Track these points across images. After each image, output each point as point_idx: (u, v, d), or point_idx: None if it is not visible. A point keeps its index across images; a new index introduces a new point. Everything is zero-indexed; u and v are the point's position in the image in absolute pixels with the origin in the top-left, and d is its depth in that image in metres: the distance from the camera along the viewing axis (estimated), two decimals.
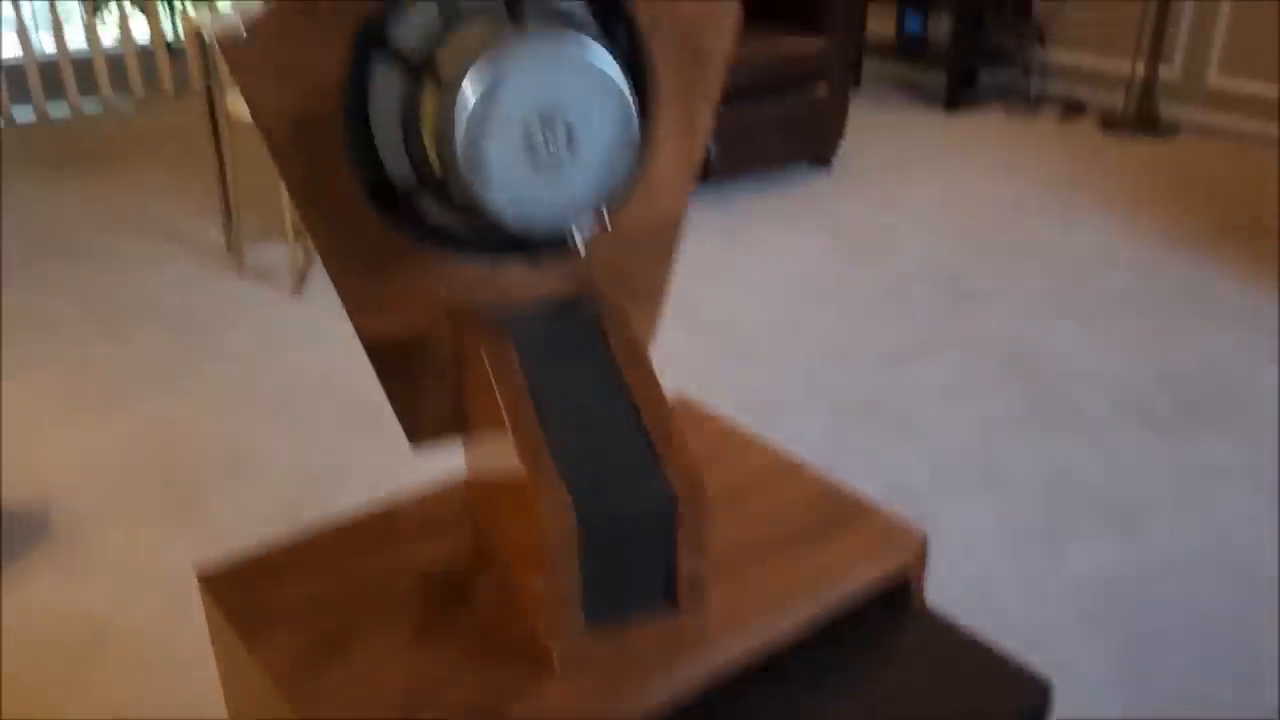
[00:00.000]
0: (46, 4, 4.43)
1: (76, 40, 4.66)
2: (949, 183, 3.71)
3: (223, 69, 4.12)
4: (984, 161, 3.94)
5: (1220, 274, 2.94)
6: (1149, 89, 4.22)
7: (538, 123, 0.70)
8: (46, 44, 4.68)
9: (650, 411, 0.78)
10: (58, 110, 4.56)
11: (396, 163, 0.79)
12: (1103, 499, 1.99)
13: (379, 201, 0.79)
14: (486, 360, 0.78)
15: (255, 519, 1.95)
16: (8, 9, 4.37)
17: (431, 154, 0.76)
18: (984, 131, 4.32)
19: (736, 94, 3.38)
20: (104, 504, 2.01)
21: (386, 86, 0.77)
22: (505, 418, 0.75)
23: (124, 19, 4.58)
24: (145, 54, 4.75)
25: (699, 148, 0.85)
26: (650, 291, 0.91)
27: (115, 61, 4.63)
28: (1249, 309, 2.73)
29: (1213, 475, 2.06)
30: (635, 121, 0.72)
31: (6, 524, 1.94)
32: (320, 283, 2.96)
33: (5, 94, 4.39)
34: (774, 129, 3.50)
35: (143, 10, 4.69)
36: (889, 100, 4.77)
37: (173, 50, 4.82)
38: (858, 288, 2.88)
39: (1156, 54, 4.18)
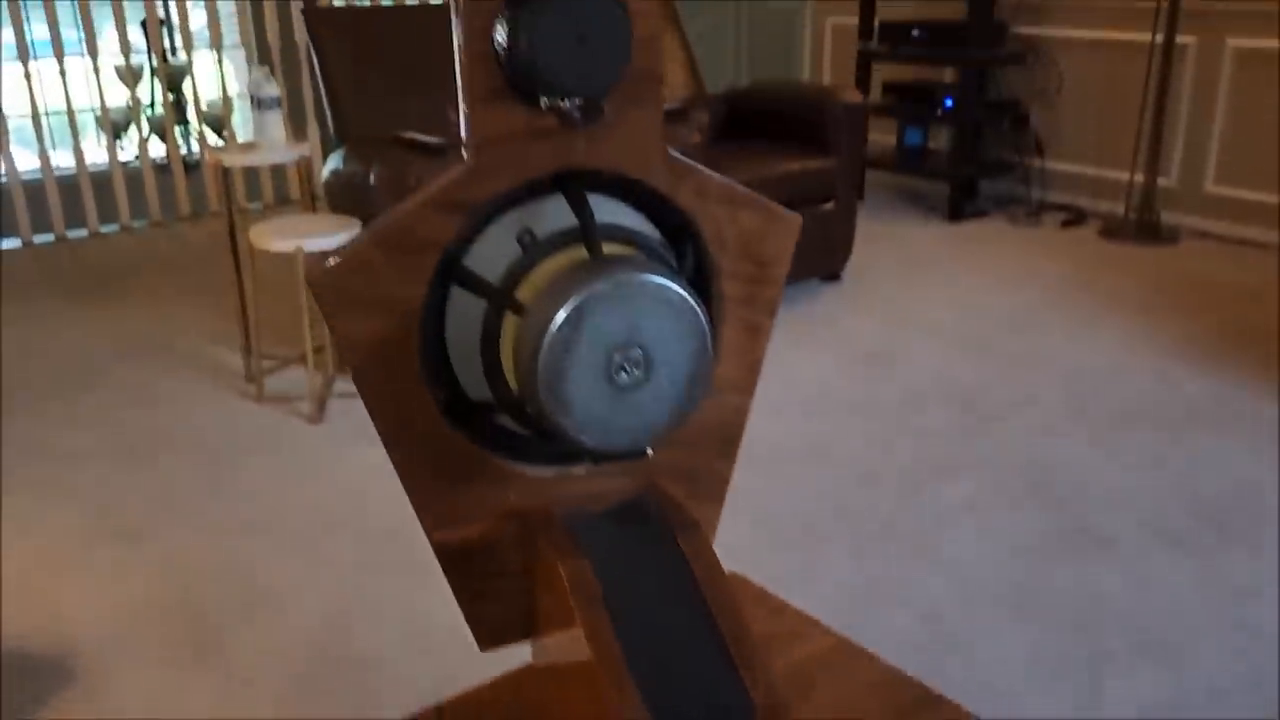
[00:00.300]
0: (65, 121, 4.53)
1: (93, 155, 4.76)
2: (957, 293, 3.76)
3: (241, 193, 4.19)
4: (990, 271, 4.00)
5: (1234, 384, 2.97)
6: (1148, 198, 4.31)
7: (617, 351, 0.72)
8: (60, 160, 4.78)
9: (726, 620, 0.79)
10: (75, 231, 4.63)
11: (472, 381, 0.82)
12: (1135, 624, 1.97)
13: (454, 417, 0.81)
14: (565, 576, 0.78)
15: (281, 660, 1.93)
16: (26, 127, 4.47)
17: (509, 376, 0.78)
18: (988, 241, 4.39)
19: None
20: (125, 646, 1.99)
21: (464, 311, 0.79)
22: (585, 637, 0.75)
23: (143, 143, 4.69)
24: (161, 171, 4.85)
25: (761, 352, 0.87)
26: (712, 489, 0.92)
27: (133, 180, 4.72)
28: (1265, 419, 2.75)
29: (1243, 596, 2.05)
30: (710, 349, 0.74)
31: (27, 668, 1.92)
32: (340, 409, 2.97)
33: (25, 215, 4.47)
34: None
35: (161, 136, 4.80)
36: (893, 211, 4.87)
37: (189, 169, 4.92)
38: (873, 405, 2.90)
39: (1154, 165, 4.28)
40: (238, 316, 3.22)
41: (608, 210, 0.81)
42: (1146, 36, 4.28)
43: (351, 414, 2.95)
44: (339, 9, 3.51)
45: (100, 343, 3.52)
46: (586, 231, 0.76)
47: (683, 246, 0.84)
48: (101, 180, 4.65)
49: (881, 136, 5.17)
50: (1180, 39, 4.22)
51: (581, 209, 0.76)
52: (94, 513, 2.46)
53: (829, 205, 3.69)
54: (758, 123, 3.84)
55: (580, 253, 0.78)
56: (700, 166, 0.80)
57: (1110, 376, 3.05)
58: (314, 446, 2.76)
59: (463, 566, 0.85)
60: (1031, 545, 2.24)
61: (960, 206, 4.64)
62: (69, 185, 4.60)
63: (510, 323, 0.77)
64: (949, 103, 4.62)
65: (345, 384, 3.13)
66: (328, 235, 2.81)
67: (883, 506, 2.40)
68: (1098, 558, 2.19)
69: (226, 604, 2.11)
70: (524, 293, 0.77)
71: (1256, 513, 2.33)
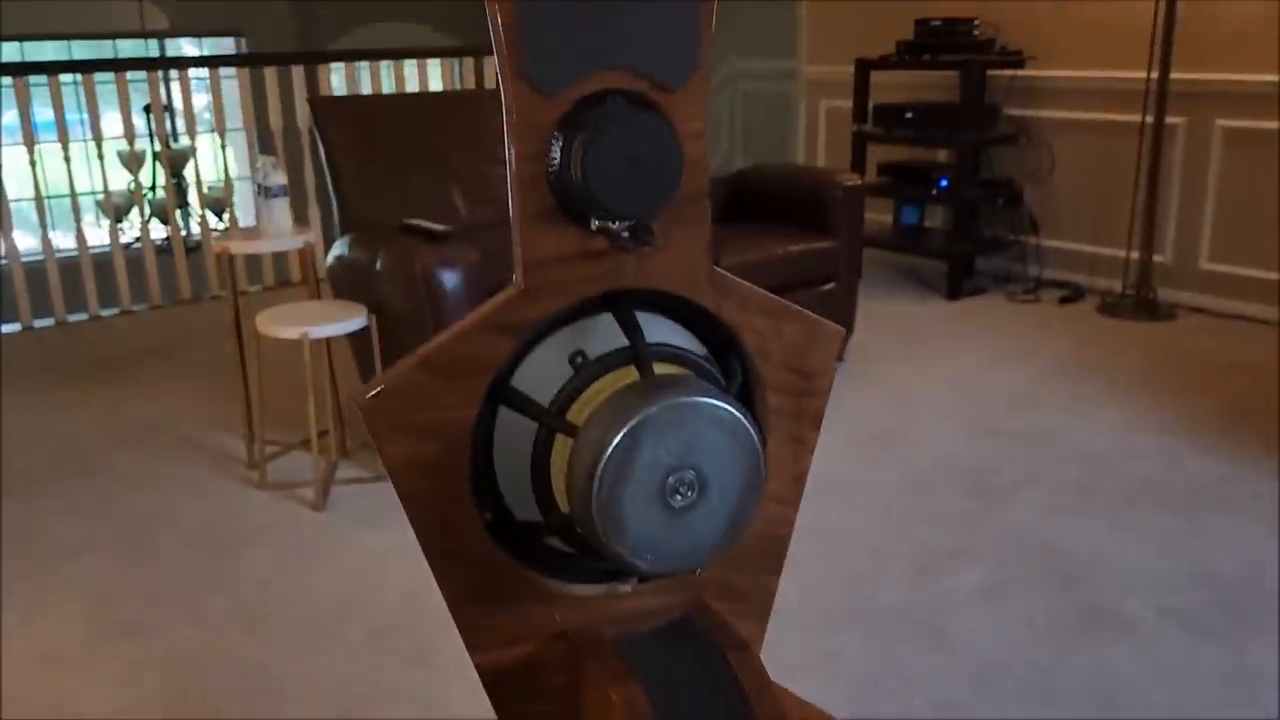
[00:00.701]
0: (67, 204, 4.56)
1: (94, 237, 4.78)
2: (959, 371, 3.77)
3: (242, 275, 4.20)
4: (990, 348, 4.02)
5: (1240, 462, 2.96)
6: (1144, 275, 4.35)
7: (672, 473, 0.71)
8: (60, 241, 4.79)
9: None
10: (75, 315, 4.63)
11: (520, 502, 0.81)
12: (1155, 710, 1.94)
13: (501, 539, 0.80)
14: (616, 702, 0.77)
15: None
16: (29, 211, 4.49)
17: (560, 497, 0.77)
18: (987, 318, 4.42)
19: None
20: None
21: (513, 432, 0.79)
22: None
23: (145, 226, 4.71)
24: (162, 254, 4.86)
25: (806, 464, 0.86)
26: (759, 604, 0.91)
27: (134, 263, 4.73)
28: (1274, 498, 2.74)
29: (1260, 682, 2.02)
30: (763, 468, 0.73)
31: None
32: (343, 495, 2.95)
33: (25, 298, 4.47)
34: None
35: (162, 219, 4.83)
36: (892, 289, 4.90)
37: (190, 251, 4.94)
38: (881, 487, 2.89)
39: (1149, 242, 4.33)
40: (240, 401, 3.21)
41: (654, 326, 0.81)
42: (1136, 117, 4.36)
43: (355, 499, 2.92)
44: (344, 98, 3.56)
45: (100, 428, 3.49)
46: (637, 352, 0.76)
47: (728, 359, 0.84)
48: (102, 263, 4.66)
49: (878, 216, 5.23)
50: (1170, 119, 4.30)
51: (632, 330, 0.76)
52: (95, 605, 2.42)
53: (830, 285, 3.71)
54: (758, 205, 3.88)
55: (631, 373, 0.77)
56: (742, 281, 0.81)
57: (1116, 454, 3.05)
58: (318, 534, 2.73)
59: (506, 689, 0.84)
60: (1047, 629, 2.21)
61: (958, 284, 4.68)
62: (70, 268, 4.61)
63: (562, 445, 0.76)
64: (944, 182, 4.69)
65: (349, 469, 3.11)
66: (333, 322, 2.81)
67: (895, 590, 2.38)
68: (1114, 641, 2.16)
69: (231, 699, 2.06)
70: (576, 414, 0.77)
71: (1271, 594, 2.31)
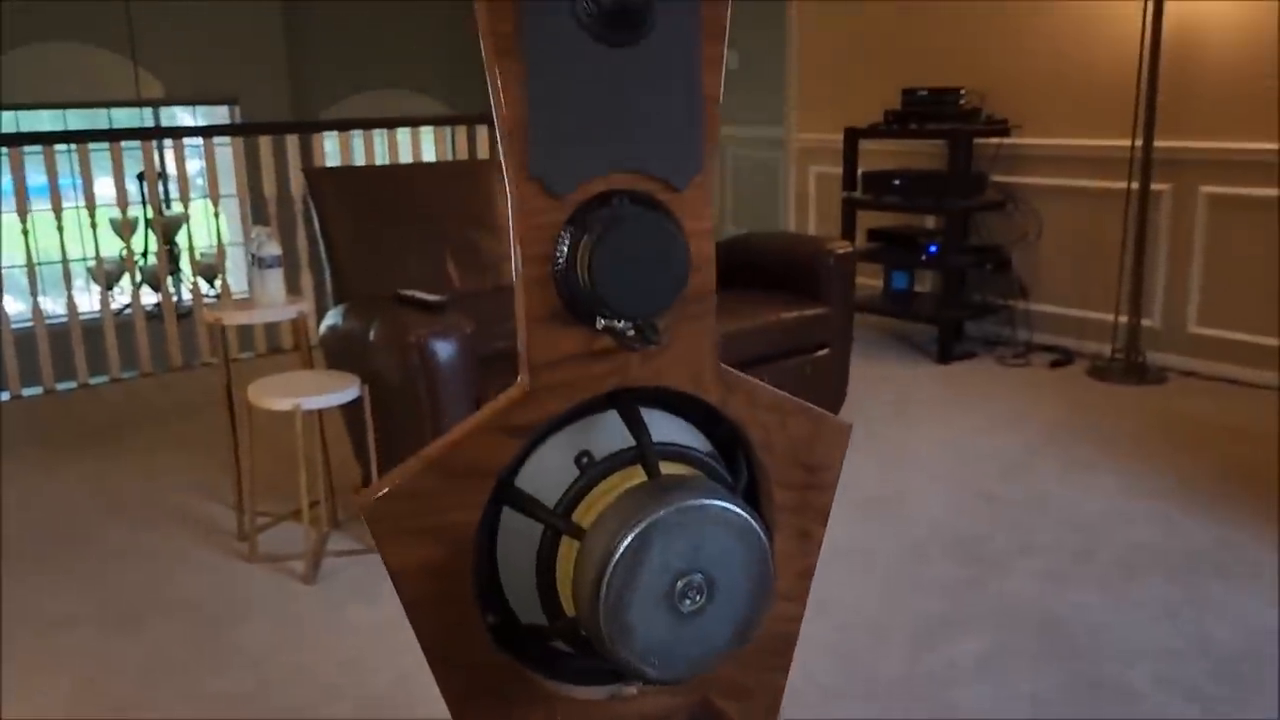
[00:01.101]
0: (58, 270, 4.55)
1: (84, 304, 4.77)
2: (953, 436, 3.76)
3: (233, 342, 4.20)
4: (983, 413, 4.02)
5: (1236, 528, 2.95)
6: (1134, 339, 4.38)
7: (680, 578, 0.70)
8: (48, 305, 4.78)
9: None
10: (64, 384, 4.60)
11: (524, 604, 0.79)
12: None
13: (503, 640, 0.78)
14: None
15: None
16: (20, 276, 4.48)
17: (565, 602, 0.76)
18: (978, 382, 4.43)
19: (745, 362, 3.46)
20: None
21: (517, 533, 0.78)
22: None
23: (136, 293, 4.71)
24: (152, 320, 4.85)
25: (813, 559, 0.85)
26: (766, 700, 0.89)
27: (124, 330, 4.72)
28: (1271, 564, 2.73)
29: None
30: (772, 570, 0.72)
31: None
32: (334, 567, 2.91)
33: (14, 366, 4.45)
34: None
35: (154, 286, 4.83)
36: (883, 354, 4.92)
37: (180, 318, 4.94)
38: (877, 554, 2.86)
39: (1137, 307, 4.37)
40: (230, 471, 3.18)
41: (659, 422, 0.81)
42: (1122, 184, 4.42)
43: (346, 572, 2.88)
44: (339, 169, 3.59)
45: (89, 498, 3.45)
46: (644, 452, 0.75)
47: (734, 455, 0.84)
48: (92, 329, 4.65)
49: (869, 281, 5.27)
50: (1155, 186, 4.36)
51: (638, 428, 0.75)
52: (84, 684, 2.37)
53: (824, 351, 3.72)
54: (751, 272, 3.90)
55: (638, 472, 0.77)
56: (748, 377, 0.80)
57: (1112, 521, 3.04)
58: (309, 608, 2.69)
59: None
60: (1049, 699, 2.19)
61: (949, 348, 4.70)
62: (59, 334, 4.60)
63: (568, 547, 0.75)
64: (933, 248, 4.73)
65: (340, 541, 3.07)
66: (326, 393, 2.80)
67: (894, 661, 2.35)
68: (1116, 712, 2.13)
69: None
70: (582, 515, 0.76)
71: (1271, 662, 2.29)
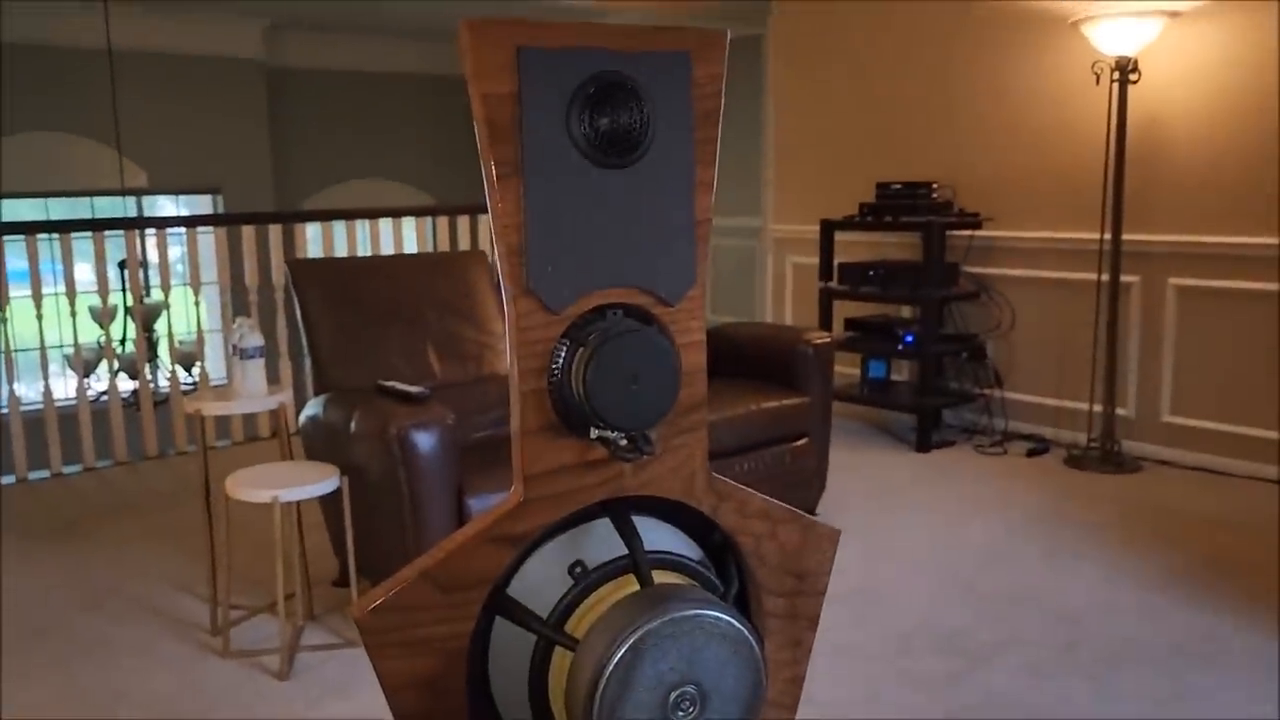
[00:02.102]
0: (35, 358, 4.52)
1: (59, 390, 4.73)
2: (933, 526, 3.77)
3: (210, 430, 4.16)
4: (962, 501, 4.03)
5: (1219, 617, 2.95)
6: (1109, 428, 4.43)
7: (673, 689, 0.70)
8: (23, 392, 4.73)
9: None
10: (37, 473, 4.54)
11: (517, 716, 0.79)
12: None
13: None
14: None
15: None
16: None
17: (557, 711, 0.76)
18: (956, 470, 4.45)
19: (725, 451, 3.48)
20: None
21: (509, 643, 0.78)
22: None
23: (113, 381, 4.68)
24: (128, 407, 4.82)
25: (803, 668, 0.85)
26: None
27: (99, 418, 4.68)
28: (1255, 654, 2.72)
29: None
30: (764, 680, 0.72)
31: None
32: (309, 662, 2.85)
33: None
34: (761, 483, 3.57)
35: (131, 375, 4.81)
36: (862, 442, 4.94)
37: (157, 405, 4.90)
38: (858, 647, 2.84)
39: (1111, 396, 4.43)
40: (204, 563, 3.13)
41: (652, 531, 0.81)
42: (1092, 275, 4.52)
43: (322, 667, 2.83)
44: (321, 261, 3.62)
45: (58, 590, 3.38)
46: (637, 562, 0.76)
47: (725, 562, 0.84)
48: (67, 417, 4.61)
49: (846, 369, 5.32)
50: (1124, 278, 4.45)
51: (630, 537, 0.76)
52: None
53: (803, 440, 3.74)
54: (730, 362, 3.94)
55: (631, 581, 0.77)
56: (740, 486, 0.81)
57: (1095, 612, 3.03)
58: (283, 706, 2.63)
59: None
60: None
61: (927, 436, 4.73)
62: (33, 422, 4.55)
63: (561, 657, 0.75)
64: (909, 338, 4.79)
65: (315, 635, 3.02)
66: (305, 485, 2.78)
67: None
68: None
69: None
70: (575, 625, 0.76)
71: None
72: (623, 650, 0.68)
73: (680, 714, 0.70)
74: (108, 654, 2.94)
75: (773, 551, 0.84)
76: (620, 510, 0.80)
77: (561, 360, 0.75)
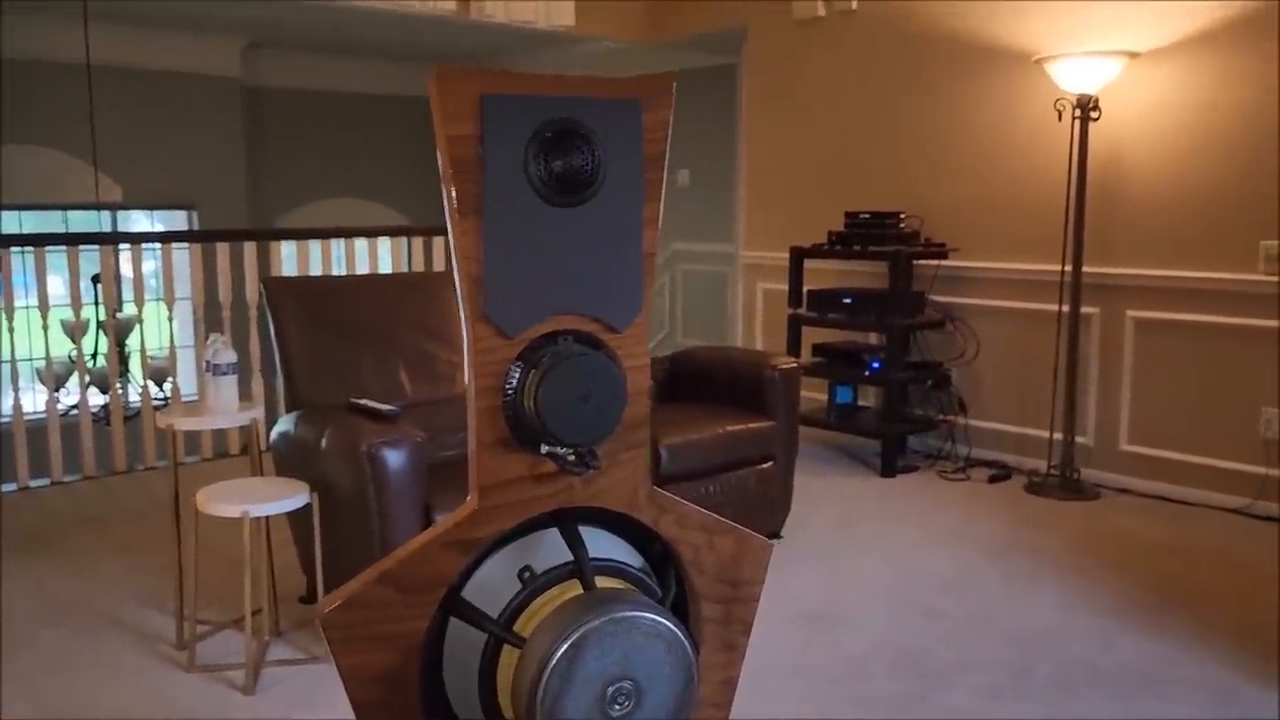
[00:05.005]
0: (5, 371, 4.53)
1: (28, 403, 4.73)
2: (895, 550, 3.84)
3: (180, 446, 4.18)
4: (924, 526, 4.11)
5: (1173, 644, 3.03)
6: (1068, 455, 4.53)
7: (611, 684, 0.76)
8: None
9: None
10: (4, 486, 4.54)
11: (467, 708, 0.85)
12: None
13: None
14: None
15: None
16: None
17: (505, 705, 0.81)
18: (920, 496, 4.53)
19: (690, 474, 3.54)
20: None
21: (462, 642, 0.83)
22: None
23: (84, 396, 4.69)
24: (97, 422, 4.82)
25: (736, 670, 0.91)
26: None
27: (68, 432, 4.68)
28: (1206, 681, 2.80)
29: None
30: (696, 678, 0.78)
31: None
32: (275, 677, 2.88)
33: None
34: (726, 506, 3.63)
35: (102, 389, 4.81)
36: (828, 466, 5.02)
37: (127, 420, 4.91)
38: (818, 670, 2.90)
39: (1070, 424, 4.53)
40: (172, 578, 3.15)
41: (597, 540, 0.87)
42: (1054, 306, 4.63)
43: (288, 683, 2.85)
44: (295, 279, 3.66)
45: (24, 604, 3.39)
46: (581, 568, 0.82)
47: (665, 571, 0.90)
48: (36, 430, 4.61)
49: (814, 394, 5.40)
50: (1085, 309, 4.57)
51: (576, 546, 0.82)
52: None
53: (768, 464, 3.80)
54: (698, 386, 4.01)
55: (576, 586, 0.83)
56: (680, 500, 0.88)
57: (1050, 636, 3.11)
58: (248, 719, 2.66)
59: None
60: None
61: (892, 462, 4.82)
62: (2, 436, 4.55)
63: (509, 655, 0.81)
64: (876, 364, 4.88)
65: (282, 650, 3.04)
66: (274, 501, 2.82)
67: None
68: None
69: None
70: (523, 625, 0.82)
71: None
72: (565, 647, 0.74)
73: (617, 708, 0.76)
74: (72, 668, 2.96)
75: (710, 561, 0.91)
76: (568, 520, 0.86)
77: (516, 381, 0.82)
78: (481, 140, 0.81)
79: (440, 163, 0.84)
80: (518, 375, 0.81)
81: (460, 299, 0.81)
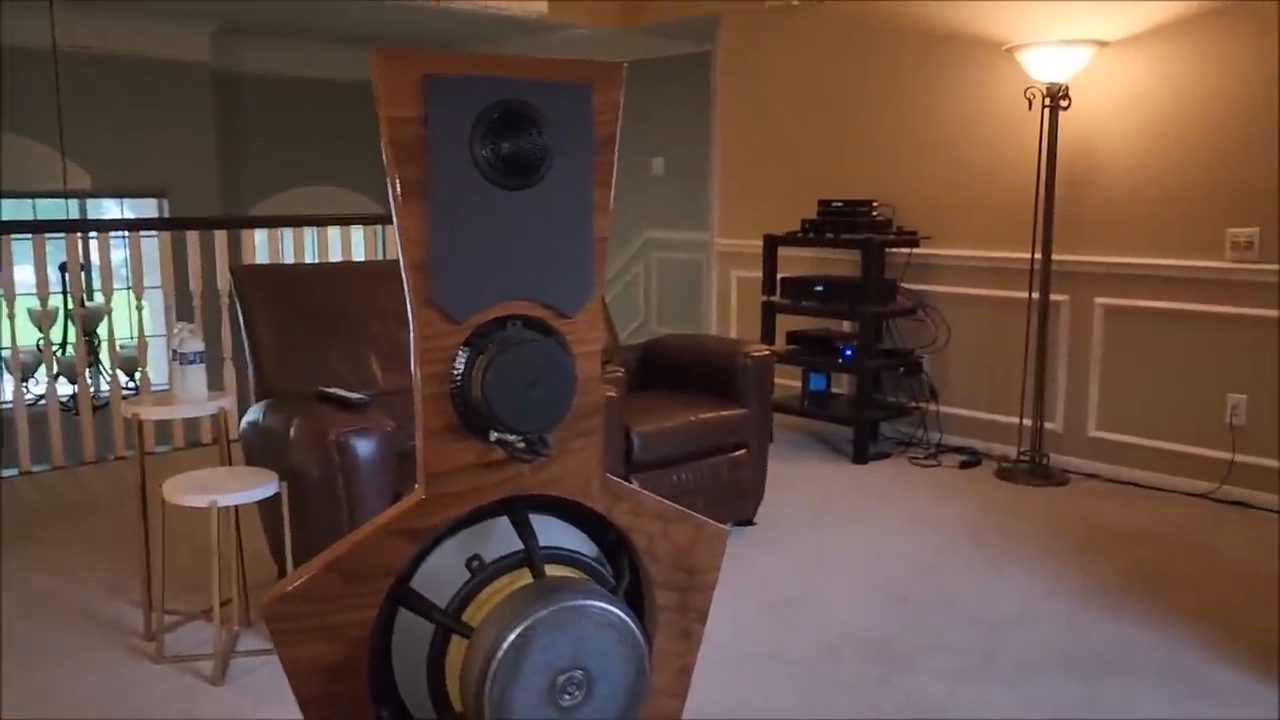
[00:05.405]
0: None
1: None
2: (865, 536, 3.86)
3: (150, 436, 4.14)
4: (895, 512, 4.13)
5: (1138, 628, 3.06)
6: (1037, 442, 4.56)
7: (561, 674, 0.75)
8: None
9: None
10: None
11: (416, 700, 0.84)
12: None
13: None
14: None
15: None
16: None
17: (454, 696, 0.81)
18: (892, 482, 4.55)
19: (663, 462, 3.54)
20: None
21: (411, 632, 0.83)
22: None
23: (52, 385, 4.64)
24: (66, 412, 4.77)
25: (692, 658, 0.91)
26: None
27: (36, 421, 4.63)
28: (1170, 665, 2.83)
29: None
30: (648, 668, 0.78)
31: None
32: (244, 667, 2.86)
33: None
34: (699, 493, 3.64)
35: (70, 378, 4.76)
36: (801, 453, 5.03)
37: (96, 410, 4.86)
38: (789, 654, 2.91)
39: (1040, 411, 4.56)
40: (140, 569, 3.13)
41: (549, 529, 0.87)
42: (1023, 294, 4.66)
43: (257, 673, 2.84)
44: (265, 267, 3.63)
45: None
46: (531, 556, 0.81)
47: (619, 559, 0.90)
48: (3, 420, 4.56)
49: (788, 381, 5.41)
50: (1054, 296, 4.59)
51: (526, 534, 0.82)
52: None
53: (742, 451, 3.81)
54: (670, 373, 4.01)
55: (526, 575, 0.83)
56: (635, 488, 0.87)
57: (1017, 621, 3.13)
58: (217, 711, 2.64)
59: None
60: None
61: (865, 449, 4.84)
62: None
63: (458, 645, 0.80)
64: (849, 352, 4.89)
65: (252, 640, 3.02)
66: (243, 490, 2.80)
67: None
68: None
69: None
70: (472, 615, 0.81)
71: None
72: (512, 636, 0.74)
73: (567, 698, 0.76)
74: (39, 658, 2.93)
75: (665, 549, 0.90)
76: (518, 508, 0.85)
77: (462, 367, 0.81)
78: (425, 122, 0.80)
79: (383, 145, 0.83)
80: (465, 361, 0.80)
81: (406, 285, 0.80)
